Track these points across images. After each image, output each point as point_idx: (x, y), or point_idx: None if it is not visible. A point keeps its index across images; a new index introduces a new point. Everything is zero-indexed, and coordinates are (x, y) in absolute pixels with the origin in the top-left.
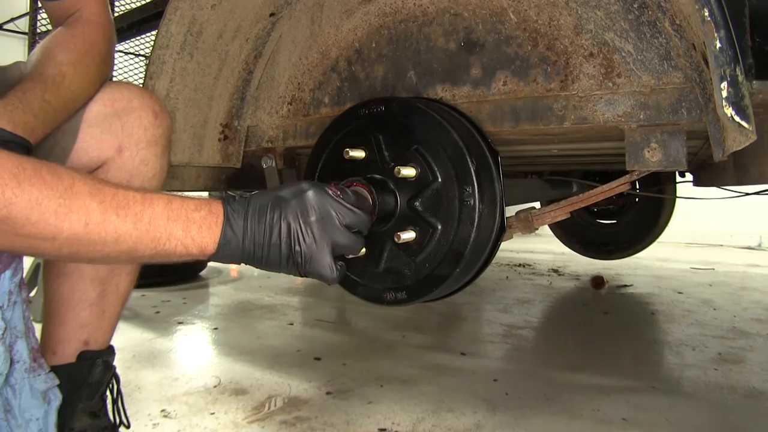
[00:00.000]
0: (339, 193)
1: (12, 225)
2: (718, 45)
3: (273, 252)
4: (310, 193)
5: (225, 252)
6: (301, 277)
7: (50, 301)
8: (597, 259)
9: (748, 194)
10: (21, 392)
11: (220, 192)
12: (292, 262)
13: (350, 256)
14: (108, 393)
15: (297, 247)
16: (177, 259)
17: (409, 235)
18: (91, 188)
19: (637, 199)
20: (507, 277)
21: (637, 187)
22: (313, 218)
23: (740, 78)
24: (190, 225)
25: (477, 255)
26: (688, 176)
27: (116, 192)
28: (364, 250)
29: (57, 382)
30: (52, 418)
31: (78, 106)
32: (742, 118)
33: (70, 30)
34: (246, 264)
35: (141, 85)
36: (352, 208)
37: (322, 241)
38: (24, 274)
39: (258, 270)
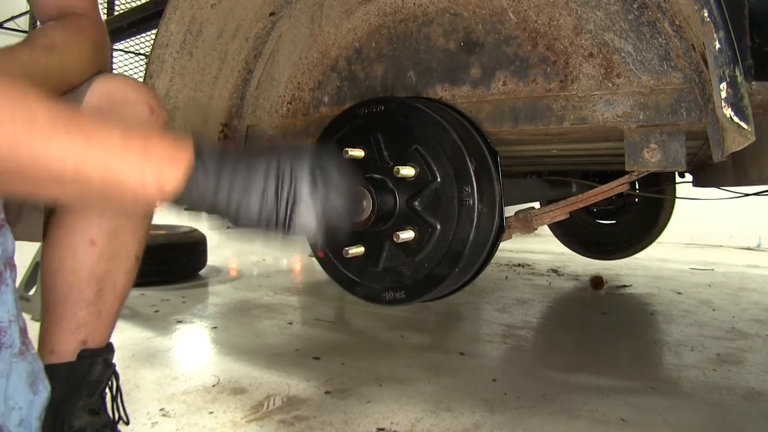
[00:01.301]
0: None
1: None
2: (718, 46)
3: (254, 190)
4: (309, 145)
5: (194, 183)
6: (282, 233)
7: (47, 300)
8: (596, 260)
9: (747, 195)
10: (9, 377)
11: None
12: (273, 207)
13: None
14: (107, 391)
15: (283, 191)
16: (131, 193)
17: (407, 235)
18: (46, 100)
19: (636, 200)
20: (506, 277)
21: (637, 187)
22: (307, 165)
23: (739, 79)
24: (151, 148)
25: (476, 255)
26: (688, 177)
27: (70, 107)
28: (363, 249)
29: (41, 364)
30: (37, 410)
31: (69, 80)
32: (741, 119)
33: (61, 20)
34: (215, 212)
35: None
36: (349, 173)
37: (315, 192)
38: (13, 253)
39: (257, 269)
